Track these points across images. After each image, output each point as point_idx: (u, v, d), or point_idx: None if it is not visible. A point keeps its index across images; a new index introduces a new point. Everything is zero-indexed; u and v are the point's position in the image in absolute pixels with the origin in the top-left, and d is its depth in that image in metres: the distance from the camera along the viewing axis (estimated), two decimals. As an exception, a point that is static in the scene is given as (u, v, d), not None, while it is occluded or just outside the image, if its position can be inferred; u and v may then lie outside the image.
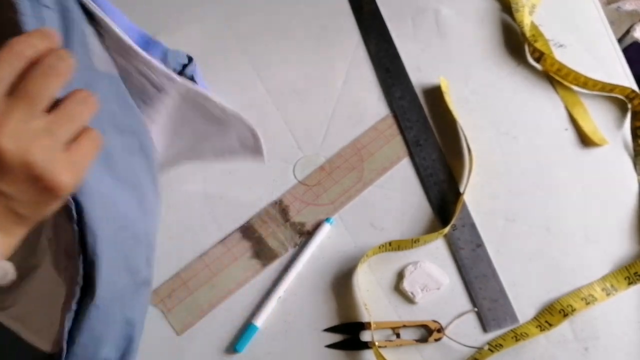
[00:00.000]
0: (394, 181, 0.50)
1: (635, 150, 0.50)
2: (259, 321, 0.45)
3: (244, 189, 0.50)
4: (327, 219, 0.47)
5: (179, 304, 0.46)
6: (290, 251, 0.47)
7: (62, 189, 0.25)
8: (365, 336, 0.45)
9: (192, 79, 0.44)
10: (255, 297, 0.47)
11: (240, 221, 0.48)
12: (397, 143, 0.51)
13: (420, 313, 0.45)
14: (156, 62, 0.42)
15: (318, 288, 0.46)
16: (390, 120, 0.52)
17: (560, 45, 0.55)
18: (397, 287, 0.46)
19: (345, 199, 0.49)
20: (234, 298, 0.46)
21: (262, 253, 0.47)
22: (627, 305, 0.45)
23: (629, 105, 0.51)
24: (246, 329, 0.45)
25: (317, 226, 0.48)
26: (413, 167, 0.50)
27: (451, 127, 0.51)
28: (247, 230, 0.48)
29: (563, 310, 0.44)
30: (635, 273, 0.45)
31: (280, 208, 0.49)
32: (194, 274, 0.47)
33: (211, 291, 0.46)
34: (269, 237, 0.48)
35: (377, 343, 0.43)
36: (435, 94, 0.53)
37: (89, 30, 0.38)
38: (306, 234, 0.47)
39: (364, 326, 0.45)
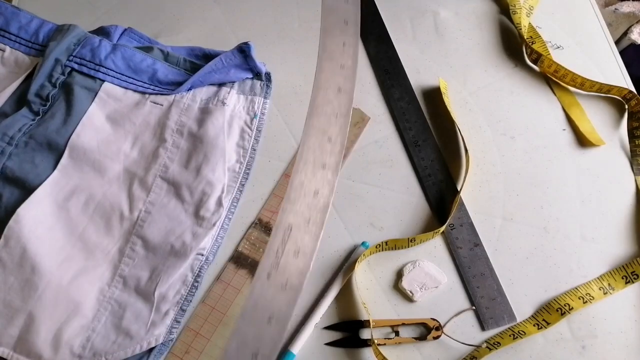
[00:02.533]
0: (393, 181, 0.50)
1: (632, 150, 0.50)
2: (296, 349, 0.44)
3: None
4: (363, 243, 0.47)
5: (200, 356, 0.44)
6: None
7: None
8: (365, 334, 0.45)
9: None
10: None
11: (228, 252, 0.48)
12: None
13: (418, 311, 0.46)
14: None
15: (317, 287, 0.46)
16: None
17: (558, 47, 0.55)
18: (396, 285, 0.46)
19: None
20: None
21: None
22: (624, 304, 0.45)
23: (626, 106, 0.52)
24: (284, 356, 0.44)
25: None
26: (412, 167, 0.51)
27: (450, 128, 0.52)
28: (239, 259, 0.47)
29: (560, 308, 0.44)
30: (633, 272, 0.45)
31: (262, 226, 0.48)
32: (203, 321, 0.45)
33: (227, 329, 0.44)
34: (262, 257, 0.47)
35: (376, 341, 0.44)
36: (433, 95, 0.53)
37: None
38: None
39: (363, 324, 0.45)
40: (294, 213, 0.34)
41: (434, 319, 0.45)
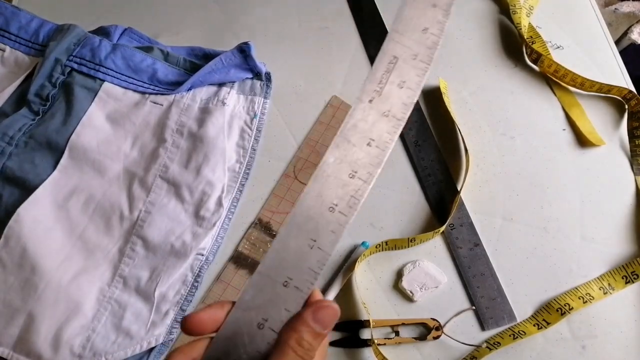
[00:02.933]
0: (393, 181, 0.50)
1: (632, 150, 0.50)
2: None
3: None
4: (363, 243, 0.47)
5: None
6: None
7: None
8: (365, 334, 0.45)
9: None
10: None
11: (228, 252, 0.48)
12: None
13: (419, 311, 0.46)
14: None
15: (318, 287, 0.46)
16: (332, 111, 0.52)
17: (558, 47, 0.55)
18: (396, 285, 0.46)
19: None
20: None
21: None
22: (624, 304, 0.45)
23: (626, 106, 0.52)
24: None
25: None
26: (412, 167, 0.51)
27: (450, 128, 0.52)
28: (239, 259, 0.47)
29: (560, 308, 0.44)
30: (633, 272, 0.45)
31: (262, 226, 0.48)
32: None
33: None
34: (262, 257, 0.47)
35: (376, 341, 0.44)
36: (433, 95, 0.53)
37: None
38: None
39: (364, 324, 0.45)
40: (401, 45, 0.32)
41: (434, 319, 0.45)
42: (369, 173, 0.28)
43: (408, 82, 0.31)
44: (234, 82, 0.52)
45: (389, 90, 0.31)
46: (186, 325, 0.26)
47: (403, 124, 0.30)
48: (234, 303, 0.27)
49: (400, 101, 0.30)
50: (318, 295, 0.27)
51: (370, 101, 0.30)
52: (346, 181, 0.28)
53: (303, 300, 0.26)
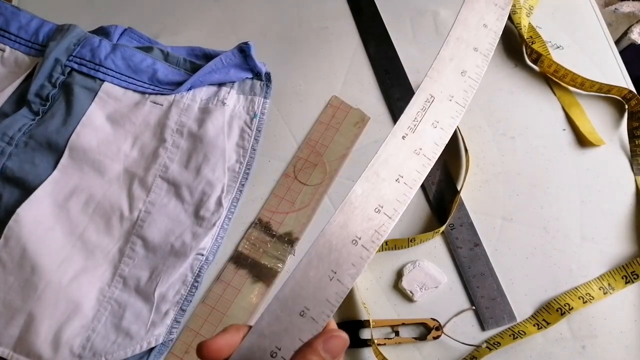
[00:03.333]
0: (393, 181, 0.50)
1: (632, 150, 0.50)
2: None
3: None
4: None
5: None
6: (290, 261, 0.47)
7: None
8: (365, 334, 0.45)
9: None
10: None
11: (228, 252, 0.48)
12: (346, 129, 0.51)
13: (418, 311, 0.46)
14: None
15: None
16: (332, 111, 0.52)
17: (558, 47, 0.55)
18: (396, 285, 0.46)
19: (319, 196, 0.49)
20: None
21: (262, 275, 0.46)
22: (624, 304, 0.45)
23: (626, 106, 0.52)
24: None
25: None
26: (412, 167, 0.51)
27: (450, 128, 0.52)
28: (239, 259, 0.47)
29: (560, 308, 0.44)
30: (633, 272, 0.45)
31: (262, 226, 0.48)
32: (203, 321, 0.45)
33: None
34: (262, 257, 0.47)
35: (376, 341, 0.44)
36: (433, 95, 0.53)
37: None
38: (296, 241, 0.47)
39: (363, 324, 0.45)
40: (439, 84, 0.32)
41: (434, 319, 0.45)
42: (395, 210, 0.28)
43: (442, 122, 0.31)
44: (234, 82, 0.52)
45: (422, 129, 0.31)
46: (203, 352, 0.25)
47: (432, 163, 0.30)
48: (250, 327, 0.27)
49: (432, 141, 0.31)
50: (332, 324, 0.27)
51: (404, 137, 0.31)
52: (372, 215, 0.28)
53: (317, 332, 0.26)
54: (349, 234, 0.28)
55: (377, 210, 0.28)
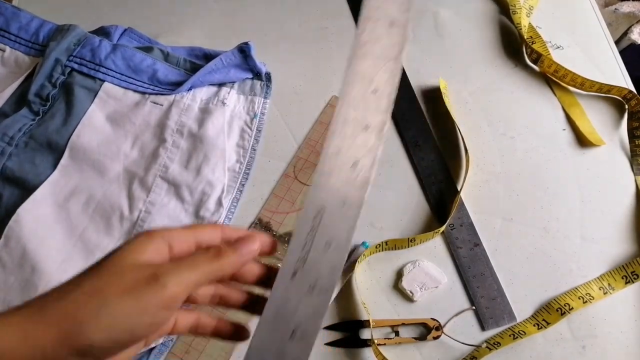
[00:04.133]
0: (393, 181, 0.50)
1: (632, 150, 0.50)
2: None
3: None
4: (363, 243, 0.47)
5: (200, 356, 0.44)
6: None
7: None
8: (365, 334, 0.45)
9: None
10: None
11: None
12: None
13: (418, 311, 0.46)
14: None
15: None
16: (332, 111, 0.52)
17: (558, 47, 0.55)
18: (396, 285, 0.46)
19: None
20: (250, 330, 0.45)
21: None
22: (624, 304, 0.45)
23: (626, 106, 0.52)
24: None
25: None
26: (412, 167, 0.51)
27: (450, 128, 0.52)
28: None
29: (560, 308, 0.44)
30: (633, 272, 0.45)
31: (262, 226, 0.48)
32: None
33: None
34: (263, 257, 0.47)
35: (376, 341, 0.44)
36: (433, 95, 0.53)
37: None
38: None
39: (363, 324, 0.45)
40: (327, 190, 0.27)
41: (434, 319, 0.45)
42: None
43: (337, 239, 0.27)
44: (234, 82, 0.52)
45: (313, 258, 0.27)
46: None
47: (332, 293, 0.28)
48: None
49: (328, 268, 0.27)
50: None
51: (293, 276, 0.27)
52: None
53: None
54: None
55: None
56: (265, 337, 0.26)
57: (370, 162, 0.28)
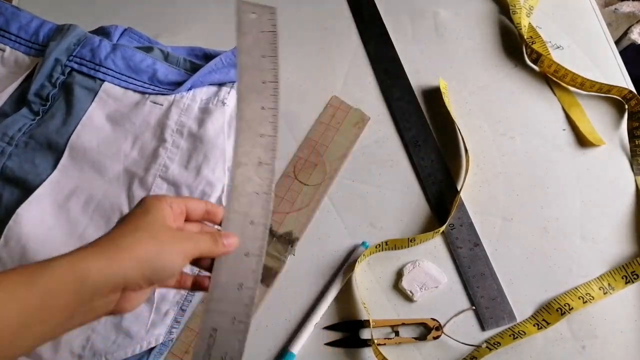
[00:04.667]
0: (393, 181, 0.50)
1: (632, 150, 0.50)
2: (296, 349, 0.44)
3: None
4: (363, 243, 0.47)
5: None
6: (290, 261, 0.47)
7: None
8: (365, 334, 0.45)
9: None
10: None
11: None
12: (346, 129, 0.51)
13: (419, 311, 0.46)
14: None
15: (318, 287, 0.46)
16: (332, 111, 0.52)
17: (558, 47, 0.55)
18: (396, 285, 0.46)
19: (319, 196, 0.49)
20: (250, 330, 0.45)
21: (262, 275, 0.46)
22: (624, 304, 0.45)
23: (626, 106, 0.52)
24: (284, 356, 0.44)
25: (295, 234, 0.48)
26: (412, 167, 0.51)
27: (450, 128, 0.52)
28: None
29: (560, 308, 0.44)
30: (633, 272, 0.45)
31: None
32: None
33: None
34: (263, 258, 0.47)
35: (376, 341, 0.44)
36: (433, 95, 0.53)
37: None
38: (296, 241, 0.47)
39: (363, 324, 0.45)
40: (218, 313, 0.33)
41: (434, 319, 0.45)
42: None
43: (230, 352, 0.33)
44: (234, 82, 0.52)
45: None
46: None
47: None
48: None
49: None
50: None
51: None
52: None
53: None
54: None
55: None
56: None
57: (254, 282, 0.34)
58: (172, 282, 0.33)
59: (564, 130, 0.52)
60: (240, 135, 0.37)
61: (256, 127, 0.36)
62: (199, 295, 0.46)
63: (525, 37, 0.54)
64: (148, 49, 0.51)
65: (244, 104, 0.37)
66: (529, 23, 0.56)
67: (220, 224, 0.34)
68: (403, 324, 0.45)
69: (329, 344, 0.45)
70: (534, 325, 0.44)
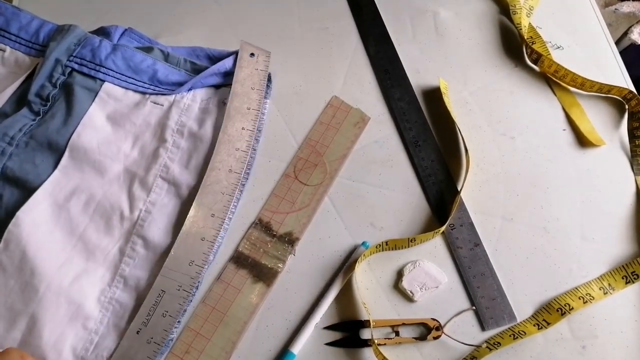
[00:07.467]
0: (393, 181, 0.50)
1: (632, 150, 0.50)
2: (296, 349, 0.44)
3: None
4: (363, 243, 0.47)
5: (200, 356, 0.44)
6: (290, 261, 0.47)
7: None
8: (365, 334, 0.45)
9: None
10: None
11: (228, 252, 0.47)
12: (346, 129, 0.51)
13: (419, 311, 0.46)
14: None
15: (318, 287, 0.46)
16: (332, 111, 0.52)
17: (558, 47, 0.55)
18: (396, 285, 0.46)
19: (319, 196, 0.49)
20: (251, 330, 0.45)
21: (262, 275, 0.46)
22: (624, 304, 0.45)
23: (626, 106, 0.52)
24: (284, 356, 0.44)
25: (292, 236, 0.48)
26: (412, 167, 0.51)
27: (450, 128, 0.52)
28: (239, 259, 0.47)
29: (561, 308, 0.44)
30: (633, 272, 0.45)
31: (263, 226, 0.48)
32: (203, 321, 0.44)
33: (227, 330, 0.44)
34: (263, 257, 0.47)
35: (376, 341, 0.44)
36: (433, 95, 0.53)
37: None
38: (296, 241, 0.47)
39: (364, 324, 0.45)
40: (169, 279, 0.43)
41: (434, 319, 0.45)
42: None
43: (171, 310, 0.43)
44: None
45: (154, 322, 0.42)
46: None
47: (162, 345, 0.42)
48: None
49: (161, 328, 0.42)
50: None
51: (138, 332, 0.42)
52: None
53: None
54: None
55: None
56: None
57: (202, 262, 0.44)
58: None
59: (564, 130, 0.52)
60: (220, 146, 0.47)
61: (234, 142, 0.47)
62: (199, 296, 0.46)
63: (526, 37, 0.54)
64: (148, 50, 0.51)
65: (229, 122, 0.48)
66: (529, 23, 0.56)
67: None
68: (403, 324, 0.45)
69: (329, 344, 0.45)
70: (534, 326, 0.44)
